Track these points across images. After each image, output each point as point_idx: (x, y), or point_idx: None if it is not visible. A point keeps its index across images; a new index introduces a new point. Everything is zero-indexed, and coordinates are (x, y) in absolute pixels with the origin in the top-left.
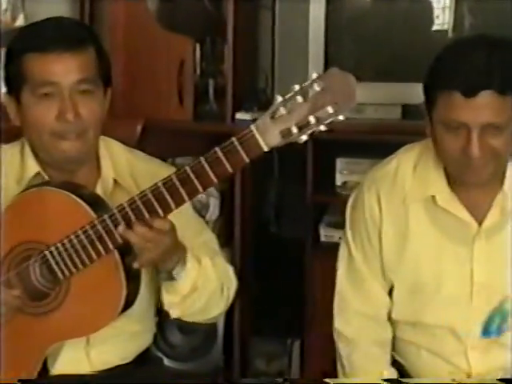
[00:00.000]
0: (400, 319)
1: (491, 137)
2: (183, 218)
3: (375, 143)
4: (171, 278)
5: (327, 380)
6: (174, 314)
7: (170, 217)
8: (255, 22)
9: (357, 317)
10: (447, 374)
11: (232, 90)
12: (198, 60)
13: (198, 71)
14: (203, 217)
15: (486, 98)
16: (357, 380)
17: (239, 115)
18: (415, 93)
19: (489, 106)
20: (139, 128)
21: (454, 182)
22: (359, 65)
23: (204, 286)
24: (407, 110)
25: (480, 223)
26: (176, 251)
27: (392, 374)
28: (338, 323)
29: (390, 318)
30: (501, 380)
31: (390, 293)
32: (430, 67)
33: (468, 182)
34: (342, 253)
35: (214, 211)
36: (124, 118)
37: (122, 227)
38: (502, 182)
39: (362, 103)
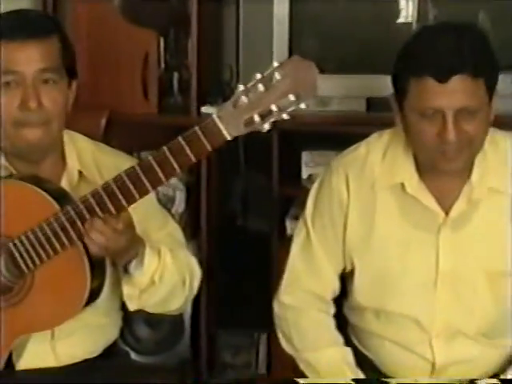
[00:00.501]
0: (363, 305)
1: (466, 122)
2: (147, 210)
3: (340, 135)
4: (128, 271)
5: (298, 380)
6: (132, 306)
7: (133, 209)
8: (219, 15)
9: (306, 294)
10: (411, 365)
11: (197, 83)
12: (163, 53)
13: (163, 64)
14: (169, 210)
15: (459, 82)
16: (328, 380)
17: (204, 108)
18: (380, 85)
19: (462, 90)
20: (104, 121)
21: (423, 170)
22: (324, 57)
23: (163, 279)
24: (372, 103)
25: (447, 213)
26: (133, 247)
27: (346, 352)
28: (286, 298)
29: (353, 305)
30: (501, 380)
31: (350, 280)
32: (399, 56)
33: (443, 169)
34: (299, 232)
35: (179, 204)
36: (88, 111)
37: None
38: (470, 172)
39: (327, 96)
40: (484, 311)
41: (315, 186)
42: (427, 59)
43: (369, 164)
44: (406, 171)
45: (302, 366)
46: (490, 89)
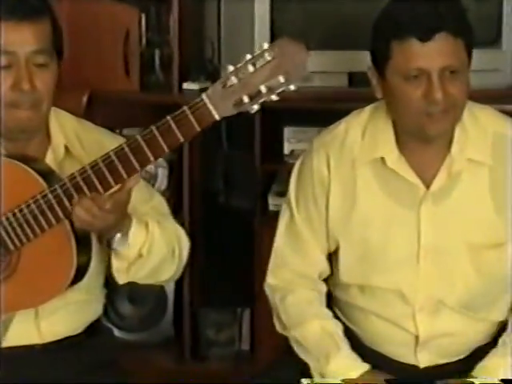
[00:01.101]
0: (349, 282)
1: (449, 83)
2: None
3: (322, 111)
4: (111, 246)
5: (303, 380)
6: (121, 279)
7: None
8: None
9: (293, 275)
10: (395, 338)
11: (178, 59)
12: (144, 30)
13: (144, 41)
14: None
15: (441, 40)
16: (334, 380)
17: (186, 85)
18: (362, 60)
19: (445, 49)
20: (85, 99)
21: (404, 144)
22: (305, 33)
23: (151, 251)
24: (354, 78)
25: (428, 186)
26: (120, 224)
27: (333, 325)
28: (273, 280)
29: (338, 282)
30: (506, 380)
31: (334, 257)
32: (377, 23)
33: (430, 133)
34: (283, 214)
35: (162, 181)
36: (70, 88)
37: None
38: (449, 145)
39: (310, 71)
40: (466, 283)
41: (296, 167)
42: (408, 21)
43: (348, 141)
44: (386, 146)
45: (293, 346)
46: (469, 52)
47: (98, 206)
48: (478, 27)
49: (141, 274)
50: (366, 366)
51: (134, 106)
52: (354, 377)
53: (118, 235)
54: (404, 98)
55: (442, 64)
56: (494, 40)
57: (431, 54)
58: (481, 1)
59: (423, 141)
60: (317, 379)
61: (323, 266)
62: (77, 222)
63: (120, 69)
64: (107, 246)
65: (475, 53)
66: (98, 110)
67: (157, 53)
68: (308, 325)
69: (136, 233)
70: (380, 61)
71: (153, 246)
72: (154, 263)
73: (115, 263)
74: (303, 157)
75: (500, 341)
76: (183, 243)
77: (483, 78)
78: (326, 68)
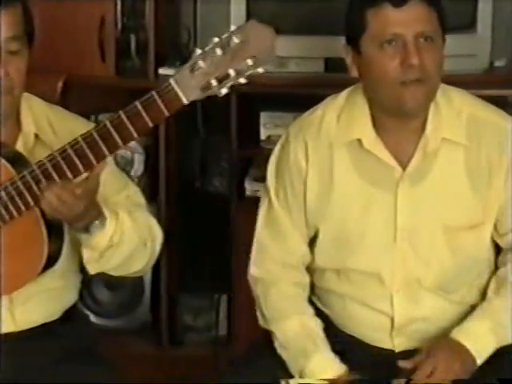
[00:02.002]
0: (325, 267)
1: (424, 50)
2: (105, 174)
3: (299, 97)
4: (88, 233)
5: (289, 380)
6: (91, 269)
7: None
8: None
9: (275, 264)
10: (371, 321)
11: (154, 45)
12: (120, 15)
13: (120, 27)
14: (128, 172)
15: (415, 7)
16: (312, 381)
17: (162, 70)
18: (338, 46)
19: (419, 15)
20: (60, 84)
21: (380, 126)
22: (281, 18)
23: (122, 242)
24: (330, 63)
25: (404, 167)
26: (90, 213)
27: (313, 323)
28: (255, 270)
29: (314, 267)
30: (501, 380)
31: (312, 242)
32: None
33: (405, 106)
34: (262, 203)
35: (138, 167)
36: (45, 74)
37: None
38: (424, 127)
39: (285, 57)
40: (442, 264)
41: (274, 155)
42: None
43: (325, 125)
44: (363, 128)
45: (274, 342)
46: (442, 27)
47: (68, 192)
48: (453, 12)
49: (112, 264)
50: (343, 368)
51: (109, 92)
52: (331, 377)
53: (97, 222)
54: (380, 68)
55: (416, 29)
56: (469, 24)
57: (406, 19)
58: None
59: (399, 117)
60: (294, 381)
61: (304, 254)
62: (47, 209)
63: (95, 54)
64: (82, 235)
65: (450, 37)
66: (74, 96)
67: (132, 38)
68: (288, 321)
69: (108, 223)
70: (356, 33)
71: (123, 236)
72: (125, 253)
73: (86, 253)
74: (280, 144)
75: (479, 306)
76: (156, 235)
77: (459, 62)
78: (302, 53)
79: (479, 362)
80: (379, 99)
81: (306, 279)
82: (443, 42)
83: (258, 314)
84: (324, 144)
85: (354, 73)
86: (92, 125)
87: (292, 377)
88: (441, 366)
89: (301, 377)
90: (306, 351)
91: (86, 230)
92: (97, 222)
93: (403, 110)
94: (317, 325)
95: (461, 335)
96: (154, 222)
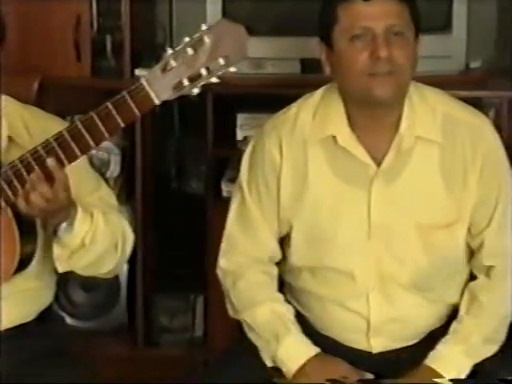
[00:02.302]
0: (301, 265)
1: (394, 44)
2: (79, 174)
3: (275, 98)
4: (57, 234)
5: (275, 380)
6: (61, 267)
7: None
8: None
9: (245, 258)
10: (347, 322)
11: (130, 45)
12: (95, 15)
13: (95, 27)
14: (104, 174)
15: (385, 1)
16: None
17: (138, 71)
18: (314, 47)
19: (389, 10)
20: (36, 85)
21: (355, 123)
22: (257, 20)
23: (94, 242)
24: (306, 64)
25: (379, 165)
26: (65, 210)
27: (284, 309)
28: (225, 263)
29: (290, 267)
30: (500, 380)
31: (287, 241)
32: None
33: (375, 96)
34: (235, 198)
35: (114, 168)
36: (21, 74)
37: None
38: (398, 125)
39: (261, 58)
40: (416, 263)
41: (248, 150)
42: None
43: (300, 122)
44: (338, 125)
45: (245, 330)
46: (415, 22)
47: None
48: (428, 13)
49: (81, 264)
50: (316, 349)
51: (85, 92)
52: (303, 360)
53: (64, 224)
54: (350, 61)
55: (386, 23)
56: (444, 26)
57: (376, 13)
58: None
59: (371, 109)
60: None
61: (274, 250)
62: (31, 210)
63: (71, 55)
64: (54, 234)
65: (426, 39)
66: (49, 97)
67: (108, 38)
68: (259, 308)
69: (80, 221)
70: (328, 28)
71: (96, 237)
72: (95, 254)
73: (56, 250)
74: (255, 140)
75: (451, 328)
76: (127, 237)
77: (435, 64)
78: (278, 54)
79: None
80: (350, 92)
81: (275, 271)
82: (416, 39)
83: (228, 305)
84: (298, 141)
85: (328, 69)
86: (67, 124)
87: (267, 375)
88: None
89: (273, 362)
90: (277, 335)
91: (57, 230)
92: (64, 223)
93: (373, 100)
94: (288, 310)
95: (435, 362)
96: (126, 223)
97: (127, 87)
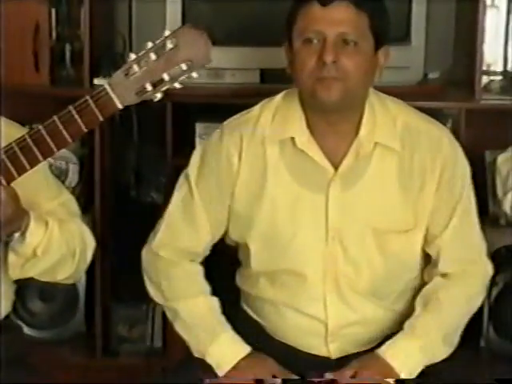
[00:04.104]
0: (259, 270)
1: (343, 51)
2: (38, 180)
3: (234, 107)
4: (8, 244)
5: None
6: (13, 274)
7: (24, 178)
8: None
9: (181, 248)
10: (305, 328)
11: (89, 54)
12: (54, 24)
13: (54, 36)
14: (62, 183)
15: (341, 8)
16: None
17: (97, 80)
18: (274, 57)
19: (343, 17)
20: None
21: (314, 127)
22: (217, 29)
23: (47, 251)
24: (266, 74)
25: (336, 169)
26: (16, 219)
27: (213, 302)
28: (161, 251)
29: (248, 273)
30: (500, 380)
31: (246, 247)
32: None
33: (320, 99)
34: (180, 188)
35: (73, 177)
36: None
37: None
38: (358, 129)
39: (221, 68)
40: (372, 268)
41: (203, 144)
42: None
43: (260, 124)
44: (296, 127)
45: (169, 316)
46: (375, 32)
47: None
48: (394, 25)
49: (34, 272)
50: (247, 349)
51: (44, 101)
52: (235, 361)
53: (17, 234)
54: (301, 63)
55: (338, 30)
56: (403, 37)
57: (329, 18)
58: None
59: (322, 112)
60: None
61: (206, 247)
62: None
63: (30, 63)
64: (5, 243)
65: None
66: (8, 105)
67: (67, 47)
68: (193, 299)
69: (33, 231)
70: (288, 29)
71: (50, 246)
72: (49, 263)
73: (11, 257)
74: (212, 137)
75: (406, 324)
76: (88, 244)
77: (394, 74)
78: (237, 64)
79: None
80: (301, 93)
81: (202, 267)
82: (376, 48)
83: (155, 291)
84: (258, 142)
85: (289, 69)
86: (26, 130)
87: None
88: None
89: (201, 355)
90: (212, 331)
91: (10, 239)
92: (17, 234)
93: (318, 103)
94: (217, 303)
95: (389, 353)
96: (87, 230)
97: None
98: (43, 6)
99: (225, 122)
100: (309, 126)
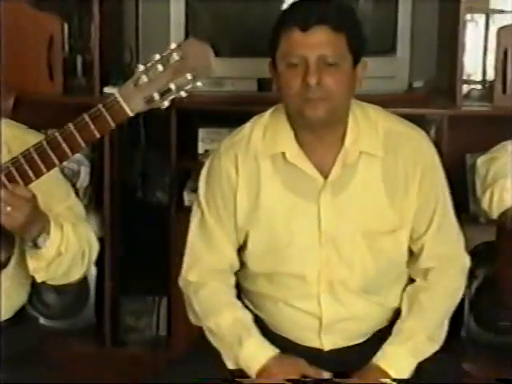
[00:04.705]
0: (257, 272)
1: (325, 72)
2: (51, 182)
3: (234, 114)
4: (36, 246)
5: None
6: (40, 278)
7: (39, 181)
8: (120, 0)
9: (207, 271)
10: (301, 322)
11: (99, 65)
12: (67, 37)
13: (67, 48)
14: (74, 184)
15: (321, 32)
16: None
17: (107, 89)
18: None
19: (324, 40)
20: (11, 101)
21: (303, 140)
22: (218, 42)
23: (67, 251)
24: (262, 83)
25: (326, 178)
26: (38, 220)
27: (244, 315)
28: (188, 276)
29: (246, 272)
30: (500, 380)
31: (244, 249)
32: (274, 24)
33: (308, 118)
34: (194, 214)
35: (84, 179)
36: None
37: None
38: (343, 140)
39: (222, 77)
40: (364, 267)
41: (205, 168)
42: (293, 13)
43: (253, 141)
44: (286, 142)
45: (207, 335)
46: (354, 50)
47: (18, 198)
48: (374, 36)
49: (58, 272)
50: (275, 350)
51: (57, 109)
52: (265, 361)
53: (42, 236)
54: (287, 84)
55: (319, 53)
56: (389, 48)
57: (311, 43)
58: (377, 11)
59: (310, 127)
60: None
61: (233, 260)
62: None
63: (44, 74)
64: (32, 246)
65: (372, 60)
66: (24, 113)
67: (79, 58)
68: (221, 315)
69: (54, 232)
70: (272, 52)
71: (68, 245)
72: (69, 262)
73: (32, 264)
74: (212, 157)
75: (395, 328)
76: (93, 247)
77: (381, 83)
78: (237, 74)
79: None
80: (289, 111)
81: (233, 279)
82: (355, 64)
83: (190, 313)
84: (252, 158)
85: (275, 87)
86: (42, 135)
87: (227, 371)
88: None
89: (236, 364)
90: (239, 338)
91: (34, 243)
92: (42, 236)
93: (306, 121)
94: (247, 315)
95: (382, 361)
96: (92, 234)
97: (96, 104)
98: (57, 20)
99: (221, 142)
100: (297, 139)
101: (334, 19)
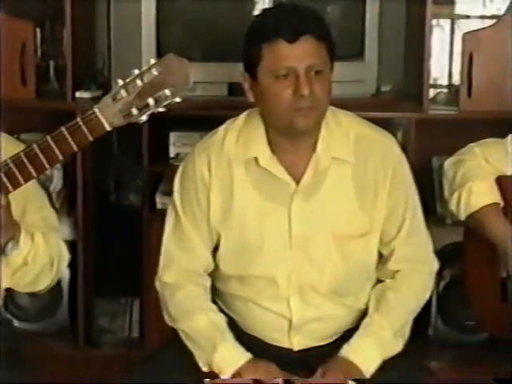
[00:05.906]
0: (229, 273)
1: (314, 81)
2: (26, 193)
3: (205, 118)
4: (4, 253)
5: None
6: (5, 285)
7: (16, 191)
8: (92, 6)
9: (182, 272)
10: (271, 323)
11: (71, 70)
12: (39, 43)
13: (39, 53)
14: (48, 188)
15: (306, 42)
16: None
17: (79, 94)
18: (240, 72)
19: (310, 50)
20: None
21: (275, 146)
22: (189, 47)
23: (34, 261)
24: (233, 88)
25: (298, 183)
26: (9, 228)
27: (219, 318)
28: (163, 278)
29: (218, 273)
30: (500, 380)
31: (216, 251)
32: (249, 32)
33: (298, 128)
34: (169, 217)
35: (57, 183)
36: None
37: None
38: (316, 145)
39: (193, 81)
40: (333, 270)
41: (180, 171)
42: (277, 25)
43: (226, 145)
44: (259, 147)
45: (182, 337)
46: (331, 56)
47: None
48: (343, 42)
49: (23, 281)
50: (248, 355)
51: (31, 113)
52: (238, 365)
53: (10, 243)
54: (275, 97)
55: (307, 63)
56: (357, 53)
57: (298, 54)
58: (345, 17)
59: (292, 137)
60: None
61: (209, 261)
62: None
63: (17, 78)
64: (1, 253)
65: (341, 65)
66: None
67: (51, 64)
68: (196, 318)
69: (24, 241)
70: (252, 65)
71: (36, 256)
72: (36, 272)
73: (2, 268)
74: (186, 161)
75: (362, 324)
76: (63, 257)
77: (349, 87)
78: (208, 78)
79: (367, 375)
80: (274, 122)
81: (208, 282)
82: (331, 70)
83: (165, 314)
84: (225, 161)
85: (251, 98)
86: (19, 143)
87: (199, 371)
88: None
89: (209, 367)
90: (214, 342)
91: (3, 250)
92: (11, 242)
93: (295, 131)
94: (221, 319)
95: (350, 353)
96: (63, 244)
97: (69, 108)
98: (29, 25)
99: (195, 146)
100: (270, 144)
101: (316, 28)
